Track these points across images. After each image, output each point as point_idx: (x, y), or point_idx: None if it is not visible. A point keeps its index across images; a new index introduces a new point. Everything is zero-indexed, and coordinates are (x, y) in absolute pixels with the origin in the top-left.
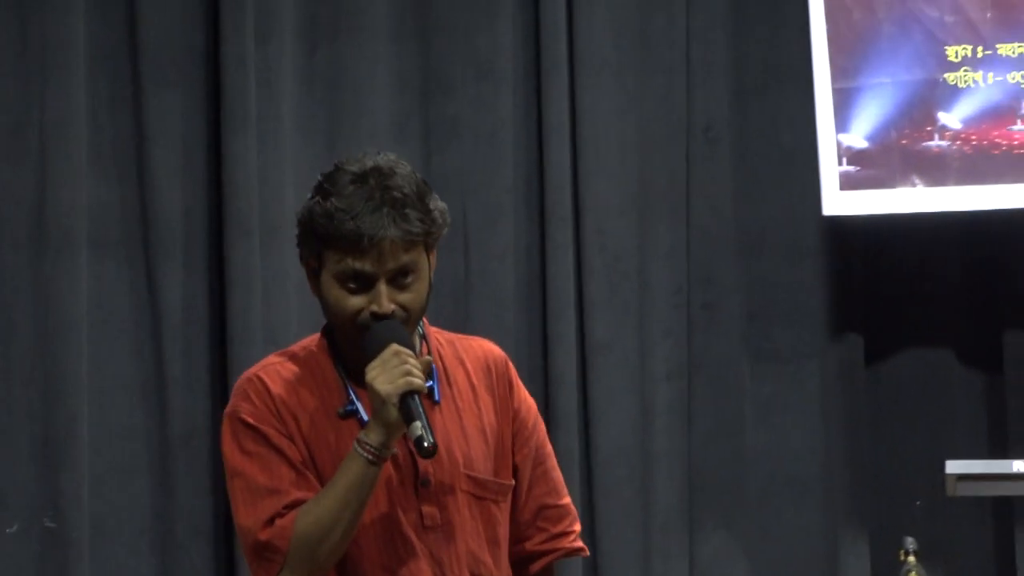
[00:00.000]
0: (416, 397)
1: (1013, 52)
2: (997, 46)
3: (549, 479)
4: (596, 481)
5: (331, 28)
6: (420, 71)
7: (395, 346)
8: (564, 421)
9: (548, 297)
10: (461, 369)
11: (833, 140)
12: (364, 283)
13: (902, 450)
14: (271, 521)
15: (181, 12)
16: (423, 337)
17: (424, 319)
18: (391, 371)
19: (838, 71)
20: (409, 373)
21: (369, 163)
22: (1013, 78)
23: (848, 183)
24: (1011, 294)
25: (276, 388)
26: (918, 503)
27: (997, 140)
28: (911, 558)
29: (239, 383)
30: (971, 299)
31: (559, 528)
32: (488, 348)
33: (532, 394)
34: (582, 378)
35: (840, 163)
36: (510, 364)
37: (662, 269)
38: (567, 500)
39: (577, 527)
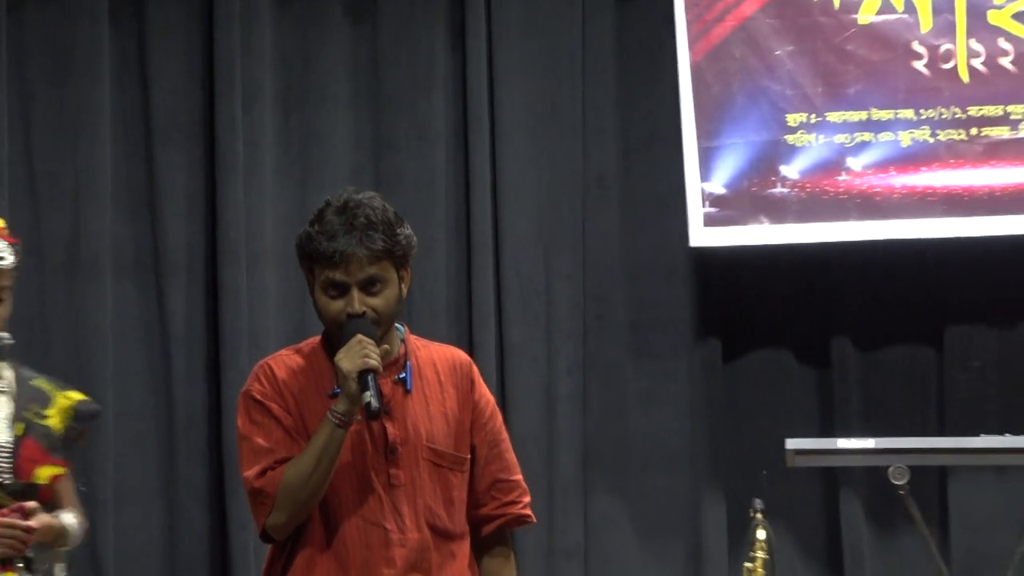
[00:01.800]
0: (371, 374)
1: (839, 119)
2: (827, 114)
3: (502, 459)
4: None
5: (302, 99)
6: (372, 132)
7: (359, 336)
8: None
9: (473, 310)
10: (432, 367)
11: (698, 187)
12: (341, 291)
13: (751, 431)
14: (264, 472)
15: (184, 85)
16: (403, 341)
17: (406, 328)
18: (353, 354)
19: (702, 133)
20: (367, 356)
21: (347, 198)
22: (839, 139)
23: (710, 221)
24: (837, 307)
25: (281, 373)
26: (764, 472)
27: (826, 188)
28: (758, 515)
29: (255, 368)
30: (805, 311)
31: (509, 498)
32: (456, 353)
33: None
34: (500, 375)
35: (704, 205)
36: (473, 366)
37: (564, 288)
38: (518, 477)
39: (526, 499)
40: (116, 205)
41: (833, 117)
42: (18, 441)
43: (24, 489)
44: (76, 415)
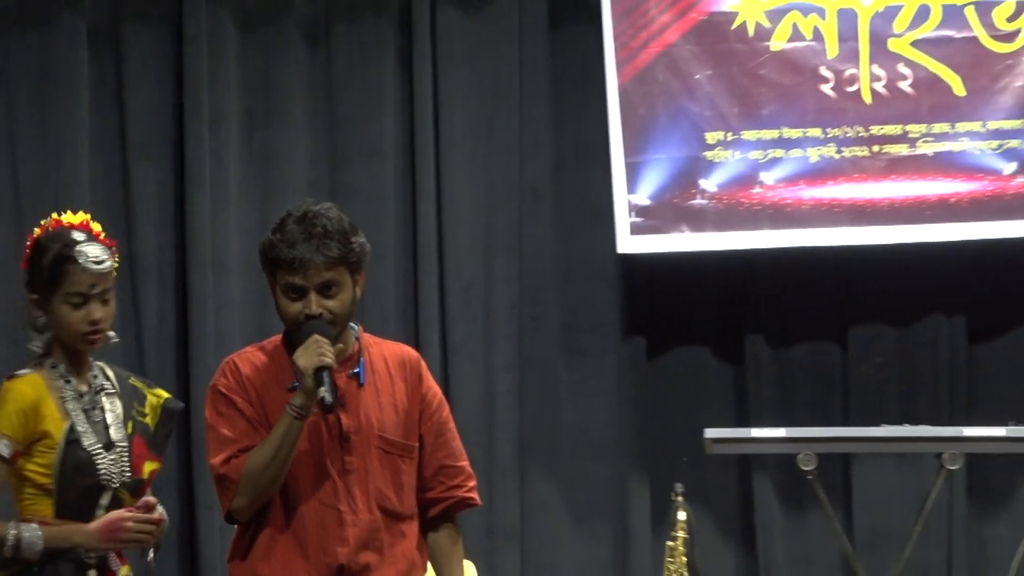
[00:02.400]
0: (326, 371)
1: (753, 137)
2: (742, 132)
3: (448, 446)
4: None
5: (263, 119)
6: (327, 150)
7: (316, 335)
8: None
9: (419, 312)
10: (383, 363)
11: (625, 199)
12: (300, 293)
13: (673, 421)
14: (228, 460)
15: (156, 107)
16: (358, 339)
17: (360, 328)
18: (310, 352)
19: (629, 149)
20: (322, 354)
21: (306, 209)
22: (753, 156)
23: (636, 230)
24: (751, 308)
25: (245, 369)
26: (684, 459)
27: (742, 199)
28: (679, 498)
29: (222, 364)
30: (722, 312)
31: (455, 482)
32: (406, 350)
33: None
34: (444, 371)
35: (630, 215)
36: (422, 362)
37: (502, 292)
38: (464, 463)
39: (471, 483)
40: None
41: (748, 135)
42: (130, 439)
43: (137, 484)
44: (164, 412)
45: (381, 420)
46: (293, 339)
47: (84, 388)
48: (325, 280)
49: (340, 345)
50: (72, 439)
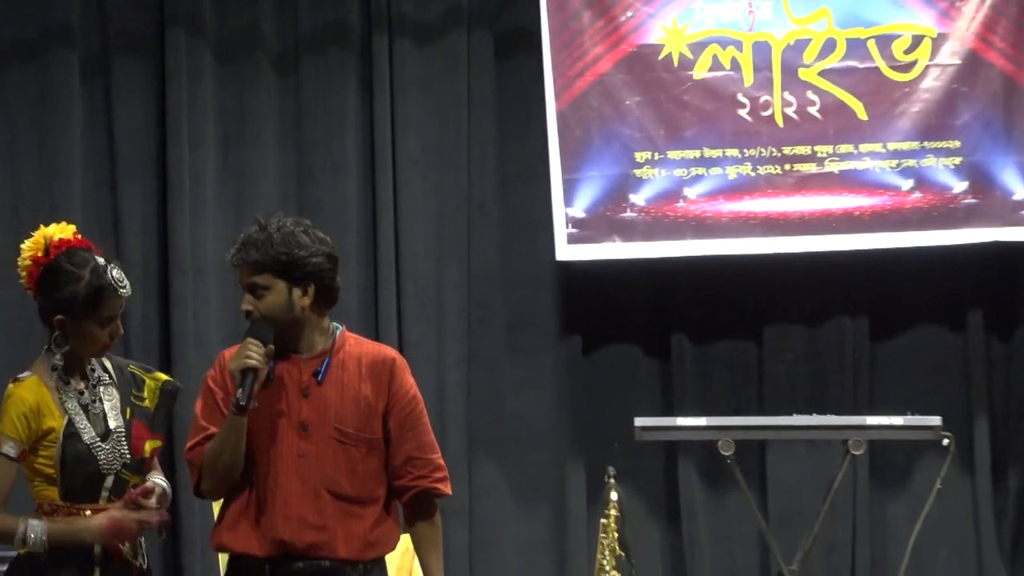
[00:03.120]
0: (250, 373)
1: (678, 156)
2: (667, 152)
3: (418, 440)
4: None
5: (238, 140)
6: (295, 168)
7: (249, 338)
8: None
9: (379, 313)
10: (356, 362)
11: (563, 212)
12: (245, 290)
13: (606, 411)
14: (194, 447)
15: (141, 130)
16: (334, 339)
17: (344, 328)
18: (238, 355)
19: (566, 167)
20: (248, 357)
21: (261, 220)
22: (677, 173)
23: (572, 240)
24: (676, 310)
25: (229, 362)
26: (616, 445)
27: (667, 212)
28: (612, 480)
29: (218, 356)
30: (650, 313)
31: (421, 472)
32: (384, 352)
33: None
34: None
35: (567, 227)
36: (397, 363)
37: (452, 295)
38: (433, 456)
39: (438, 475)
40: (86, 227)
41: (673, 155)
42: (128, 424)
43: (139, 463)
44: (163, 393)
45: (340, 413)
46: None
47: (82, 385)
48: (251, 282)
49: (271, 347)
50: (70, 433)
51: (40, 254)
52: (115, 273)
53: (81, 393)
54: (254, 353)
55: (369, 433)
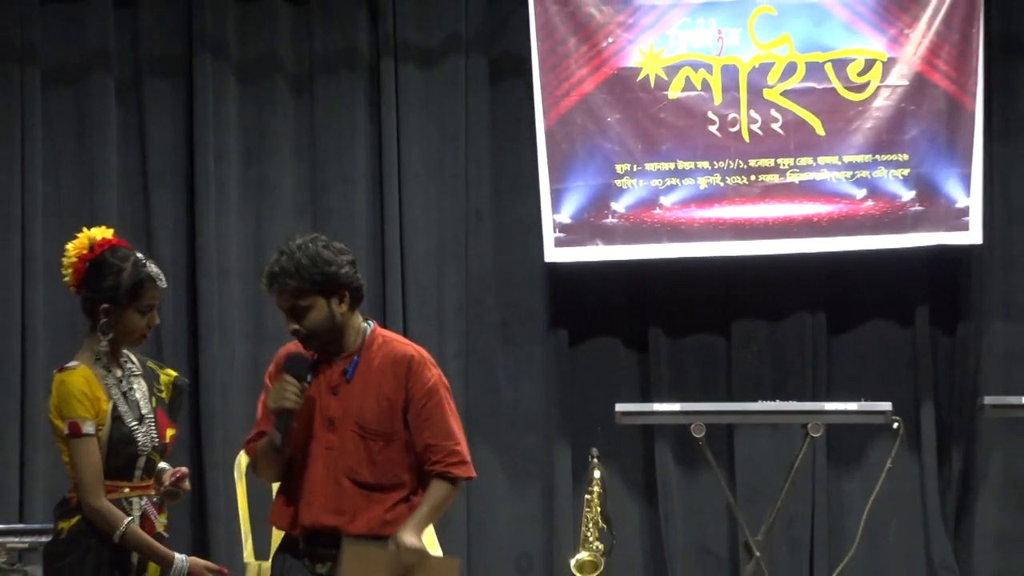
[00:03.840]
0: (286, 413)
1: (654, 168)
2: (645, 164)
3: (434, 428)
4: None
5: (258, 154)
6: (309, 179)
7: (286, 375)
8: None
9: (386, 309)
10: (381, 360)
11: (551, 218)
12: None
13: (590, 398)
14: (250, 441)
15: (171, 145)
16: (364, 339)
17: (375, 326)
18: (275, 394)
19: (554, 177)
20: (285, 399)
21: (282, 247)
22: (654, 183)
23: (559, 243)
24: (652, 307)
25: (282, 360)
26: (599, 428)
27: (645, 219)
28: (595, 460)
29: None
30: (630, 310)
31: (436, 458)
32: (405, 350)
33: None
34: None
35: (555, 231)
36: (415, 360)
37: (451, 294)
38: (448, 443)
39: (451, 460)
40: (121, 232)
41: (650, 167)
42: (155, 412)
43: (163, 447)
44: (175, 388)
45: (362, 410)
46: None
47: (119, 374)
48: (291, 305)
49: (306, 384)
50: (116, 416)
51: (86, 251)
52: (153, 267)
53: (120, 381)
54: (291, 394)
55: (388, 427)
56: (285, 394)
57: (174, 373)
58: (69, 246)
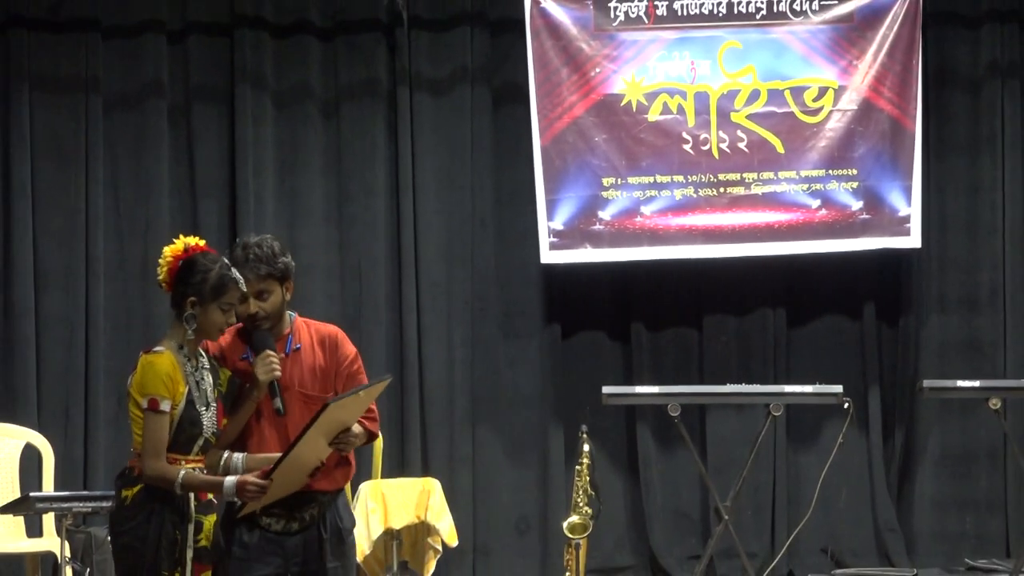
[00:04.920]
0: (276, 383)
1: (636, 181)
2: (628, 178)
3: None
4: (427, 397)
5: (291, 169)
6: (336, 191)
7: (267, 351)
8: (412, 369)
9: (402, 304)
10: (309, 339)
11: (546, 225)
12: (244, 299)
13: (580, 381)
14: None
15: (216, 161)
16: (292, 323)
17: (296, 316)
18: (262, 367)
19: (549, 189)
20: (273, 369)
21: (243, 242)
22: (636, 194)
23: (554, 247)
24: (634, 303)
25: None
26: (587, 408)
27: (628, 226)
28: (584, 436)
29: None
30: (615, 306)
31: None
32: (328, 328)
33: (399, 352)
34: (419, 347)
35: (549, 237)
36: (338, 336)
37: (459, 290)
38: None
39: (370, 415)
40: (172, 238)
41: (632, 180)
42: (215, 402)
43: (220, 432)
44: (230, 383)
45: (302, 379)
46: (247, 328)
47: (194, 364)
48: (259, 289)
49: (280, 355)
50: (189, 400)
51: (180, 253)
52: (236, 272)
53: (195, 370)
54: (275, 364)
55: (324, 391)
56: (271, 367)
57: (229, 372)
58: (166, 249)
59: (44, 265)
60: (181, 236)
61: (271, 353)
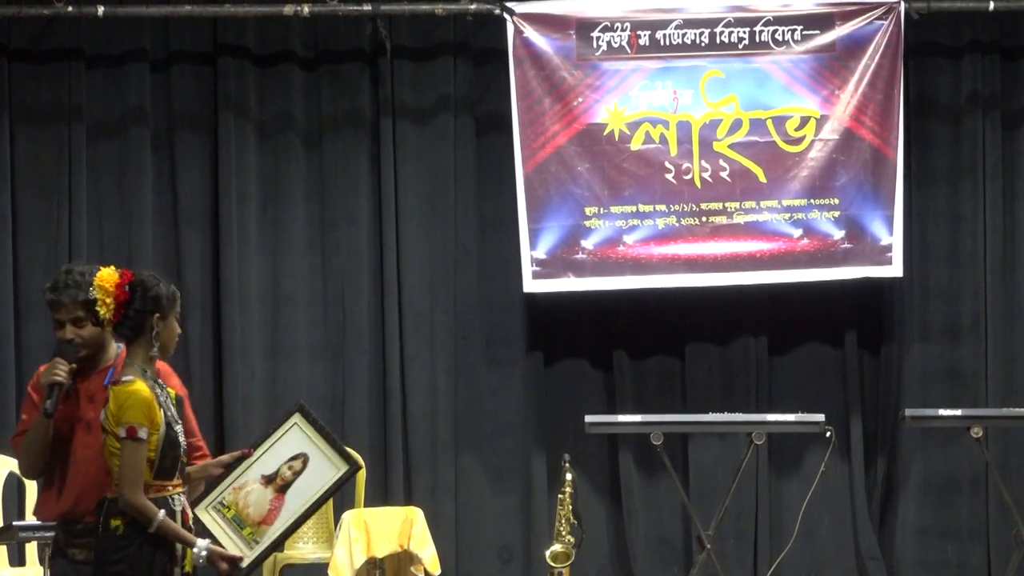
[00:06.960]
0: (56, 386)
1: (618, 211)
2: (611, 207)
3: (185, 425)
4: (410, 425)
5: (274, 198)
6: (319, 219)
7: (56, 359)
8: (395, 397)
9: (385, 332)
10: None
11: (529, 254)
12: (59, 324)
13: (563, 409)
14: (16, 436)
15: (199, 189)
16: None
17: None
18: (48, 371)
19: (531, 218)
20: (56, 374)
21: (66, 268)
22: (618, 224)
23: (536, 275)
24: (617, 332)
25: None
26: (570, 437)
27: (610, 255)
28: (567, 464)
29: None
30: (597, 334)
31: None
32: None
33: (381, 381)
34: (402, 375)
35: (532, 265)
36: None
37: (443, 318)
38: (193, 439)
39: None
40: (155, 265)
41: (615, 209)
42: (180, 419)
43: (186, 451)
44: (177, 403)
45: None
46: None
47: (159, 386)
48: (73, 317)
49: (73, 365)
50: (167, 423)
51: (118, 279)
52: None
53: (162, 391)
54: (60, 371)
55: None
56: (56, 370)
57: (172, 391)
58: (101, 282)
59: (26, 294)
60: (101, 267)
61: (61, 360)
